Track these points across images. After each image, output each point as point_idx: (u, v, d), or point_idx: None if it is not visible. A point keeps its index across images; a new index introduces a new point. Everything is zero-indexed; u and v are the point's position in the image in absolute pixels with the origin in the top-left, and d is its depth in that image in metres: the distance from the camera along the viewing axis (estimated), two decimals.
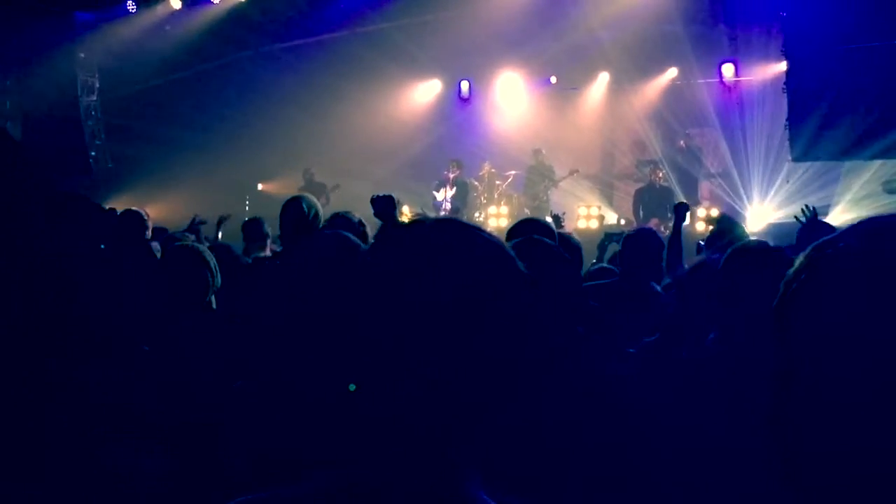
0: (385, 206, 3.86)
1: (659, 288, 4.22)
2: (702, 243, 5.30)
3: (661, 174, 11.89)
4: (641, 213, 11.83)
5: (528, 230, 3.49)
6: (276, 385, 1.93)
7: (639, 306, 3.78)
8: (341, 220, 3.77)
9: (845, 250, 0.85)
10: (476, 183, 13.79)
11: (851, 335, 0.80)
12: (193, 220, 6.92)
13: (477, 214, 13.58)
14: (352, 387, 0.97)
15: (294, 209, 4.05)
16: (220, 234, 8.17)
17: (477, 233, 1.05)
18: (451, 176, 13.03)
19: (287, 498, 1.02)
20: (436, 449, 0.98)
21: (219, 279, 3.41)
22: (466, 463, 1.00)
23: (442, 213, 12.36)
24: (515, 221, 4.05)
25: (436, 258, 1.00)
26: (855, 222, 0.90)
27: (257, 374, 2.13)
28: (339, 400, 0.99)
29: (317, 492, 1.00)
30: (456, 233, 1.04)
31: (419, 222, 1.08)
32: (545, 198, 13.46)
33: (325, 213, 4.33)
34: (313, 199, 4.32)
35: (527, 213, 12.22)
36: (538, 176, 13.71)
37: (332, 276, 1.92)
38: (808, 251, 0.89)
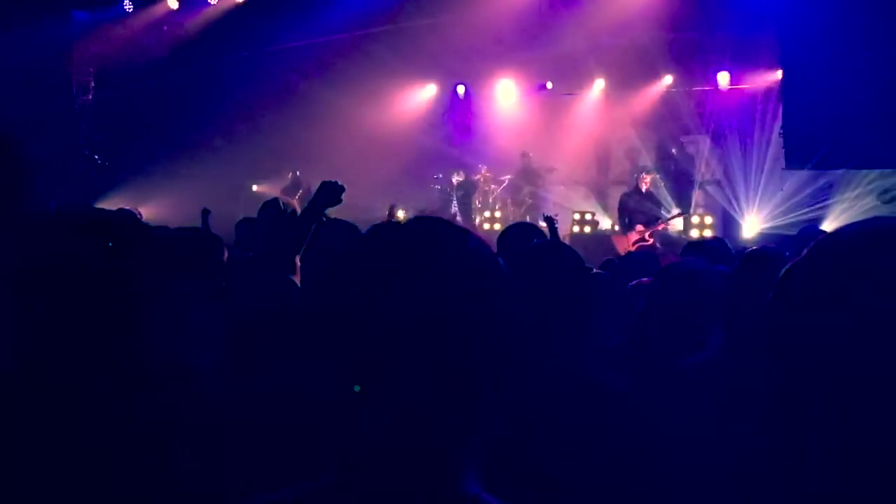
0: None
1: None
2: None
3: (647, 179, 11.70)
4: (627, 218, 11.66)
5: (523, 234, 3.49)
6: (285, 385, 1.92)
7: None
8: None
9: (838, 248, 0.86)
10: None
11: (842, 333, 0.81)
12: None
13: (475, 218, 13.68)
14: (357, 388, 0.95)
15: (272, 209, 4.32)
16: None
17: (464, 234, 1.05)
18: (456, 182, 13.12)
19: (289, 499, 1.01)
20: (433, 447, 0.97)
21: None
22: (464, 461, 1.00)
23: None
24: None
25: (419, 256, 0.99)
26: (842, 226, 0.92)
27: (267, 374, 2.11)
28: (338, 401, 0.98)
29: (317, 493, 0.99)
30: (442, 232, 1.04)
31: (410, 221, 1.09)
32: (529, 202, 13.47)
33: None
34: (290, 199, 4.73)
35: (512, 219, 12.15)
36: (522, 181, 13.73)
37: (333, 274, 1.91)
38: (803, 254, 0.91)
